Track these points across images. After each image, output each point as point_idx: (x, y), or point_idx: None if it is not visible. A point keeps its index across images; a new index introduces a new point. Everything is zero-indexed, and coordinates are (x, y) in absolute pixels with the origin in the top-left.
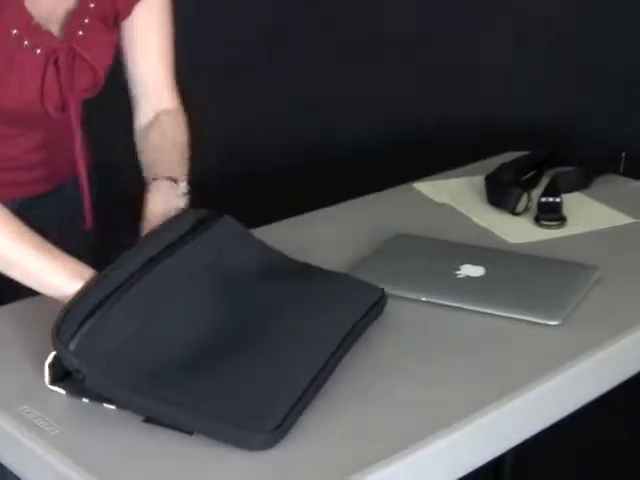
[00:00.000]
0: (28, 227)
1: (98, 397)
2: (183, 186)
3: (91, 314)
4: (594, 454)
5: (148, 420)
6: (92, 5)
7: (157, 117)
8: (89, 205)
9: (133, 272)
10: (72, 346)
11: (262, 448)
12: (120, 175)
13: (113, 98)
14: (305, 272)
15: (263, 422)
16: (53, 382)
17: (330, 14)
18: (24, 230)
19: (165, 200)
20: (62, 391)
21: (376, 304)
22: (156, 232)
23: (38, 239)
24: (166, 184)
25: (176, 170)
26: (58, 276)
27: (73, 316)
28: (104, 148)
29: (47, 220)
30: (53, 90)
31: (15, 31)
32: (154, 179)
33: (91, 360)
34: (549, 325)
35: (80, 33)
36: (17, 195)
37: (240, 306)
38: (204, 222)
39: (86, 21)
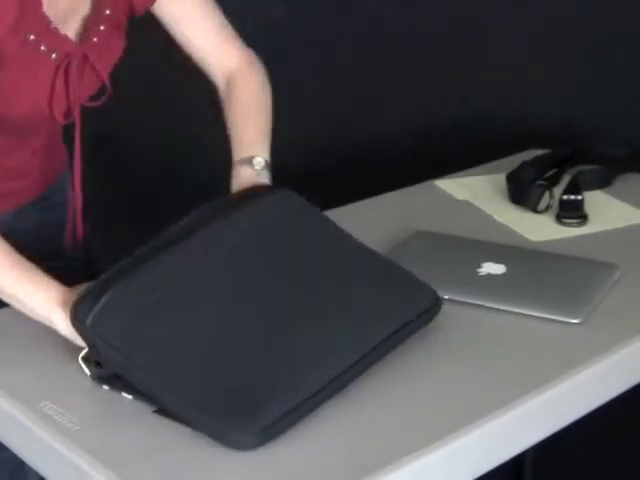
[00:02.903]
0: (8, 246)
1: (117, 386)
2: (258, 161)
3: (108, 288)
4: (615, 450)
5: (158, 411)
6: (108, 12)
7: (229, 83)
8: (79, 223)
9: (156, 248)
10: (89, 321)
11: (245, 448)
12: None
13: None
14: (363, 260)
15: (249, 422)
16: (84, 359)
17: (346, 12)
18: (5, 250)
19: (243, 186)
20: (87, 371)
21: (425, 313)
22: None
23: (17, 262)
24: (242, 169)
25: (252, 143)
26: (42, 304)
27: (90, 292)
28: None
29: (37, 229)
30: (61, 95)
31: (32, 37)
32: (232, 167)
33: (106, 333)
34: (570, 323)
35: (95, 40)
36: (6, 208)
37: (271, 294)
38: (256, 195)
39: (102, 28)
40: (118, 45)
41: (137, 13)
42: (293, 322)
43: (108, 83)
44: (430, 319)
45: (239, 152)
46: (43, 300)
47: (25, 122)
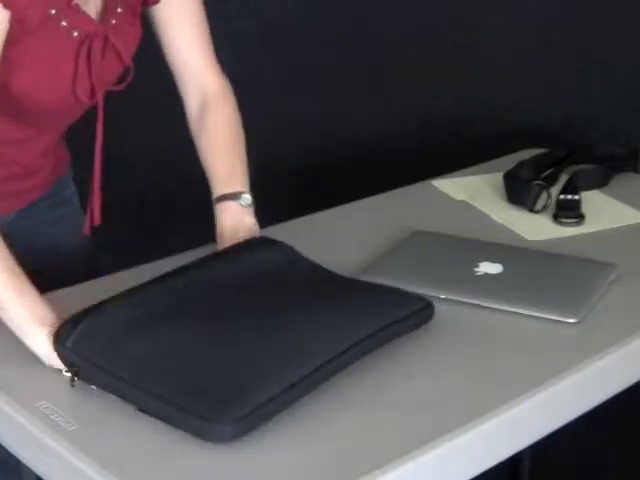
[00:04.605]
0: (5, 250)
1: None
2: (246, 198)
3: (89, 313)
4: (612, 449)
5: (142, 410)
6: None
7: (206, 106)
8: (98, 206)
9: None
10: (69, 343)
11: (218, 440)
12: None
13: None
14: (342, 283)
15: (224, 414)
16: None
17: (343, 11)
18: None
19: (231, 220)
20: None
21: (413, 315)
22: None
23: (9, 268)
24: (230, 205)
25: (236, 177)
26: (22, 316)
27: (72, 318)
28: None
29: (39, 229)
30: (84, 76)
31: (53, 11)
32: (218, 200)
33: (84, 354)
34: (567, 322)
35: (113, 22)
36: (13, 208)
37: (248, 312)
38: (249, 247)
39: (119, 10)
40: (134, 31)
41: (150, 2)
42: (270, 327)
43: (129, 63)
44: (421, 322)
45: (222, 185)
46: (27, 314)
47: (47, 106)
